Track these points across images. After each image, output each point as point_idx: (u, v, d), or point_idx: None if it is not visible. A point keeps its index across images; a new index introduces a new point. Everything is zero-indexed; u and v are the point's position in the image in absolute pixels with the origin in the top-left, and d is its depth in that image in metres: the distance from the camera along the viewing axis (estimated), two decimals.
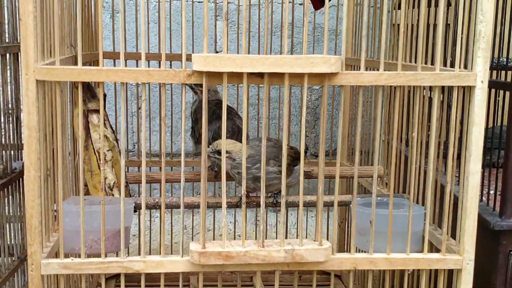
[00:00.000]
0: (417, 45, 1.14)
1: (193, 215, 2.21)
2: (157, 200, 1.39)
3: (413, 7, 1.58)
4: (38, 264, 1.06)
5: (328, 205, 1.36)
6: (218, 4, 2.29)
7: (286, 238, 1.10)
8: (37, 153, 1.02)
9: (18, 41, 1.55)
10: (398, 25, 1.71)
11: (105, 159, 1.42)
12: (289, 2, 2.40)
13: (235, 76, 1.04)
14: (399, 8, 1.65)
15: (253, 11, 2.13)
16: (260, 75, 1.04)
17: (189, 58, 1.05)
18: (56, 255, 1.17)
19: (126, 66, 1.11)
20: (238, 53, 2.13)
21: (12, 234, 1.51)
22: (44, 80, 1.03)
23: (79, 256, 1.10)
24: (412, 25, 1.40)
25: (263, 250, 1.07)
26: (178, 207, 1.32)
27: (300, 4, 2.43)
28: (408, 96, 1.47)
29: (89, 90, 1.43)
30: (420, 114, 1.14)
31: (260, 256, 1.07)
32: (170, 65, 2.02)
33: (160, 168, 1.55)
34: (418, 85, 1.08)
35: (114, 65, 1.96)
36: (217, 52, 2.40)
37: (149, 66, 1.95)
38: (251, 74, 1.04)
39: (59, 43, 1.05)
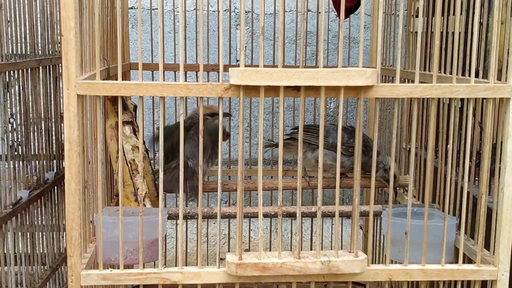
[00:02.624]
0: (452, 56, 1.15)
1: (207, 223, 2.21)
2: (188, 210, 1.40)
3: (433, 15, 1.59)
4: (78, 275, 1.07)
5: (361, 215, 1.37)
6: (236, 13, 2.31)
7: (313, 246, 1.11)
8: (78, 166, 1.04)
9: (50, 53, 1.57)
10: (415, 33, 1.72)
11: (137, 170, 1.44)
12: (307, 10, 2.41)
13: (272, 90, 1.05)
14: (417, 16, 1.66)
15: (271, 19, 2.14)
16: (297, 88, 1.05)
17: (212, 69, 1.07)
18: (93, 266, 1.18)
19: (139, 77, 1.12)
20: (257, 62, 2.14)
21: (45, 243, 1.53)
22: (84, 95, 1.05)
23: (115, 267, 1.12)
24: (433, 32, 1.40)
25: (299, 262, 1.08)
26: (213, 217, 1.34)
27: (325, 12, 2.43)
28: (438, 106, 1.48)
29: (122, 102, 1.45)
30: (454, 125, 1.15)
31: (297, 268, 1.08)
32: (185, 76, 2.03)
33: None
34: (453, 97, 1.08)
35: (141, 76, 1.98)
36: (237, 61, 2.42)
37: (162, 77, 1.97)
38: (287, 88, 1.05)
39: (99, 58, 1.06)
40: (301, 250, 1.09)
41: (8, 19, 1.31)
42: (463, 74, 1.22)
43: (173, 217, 1.33)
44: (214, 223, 2.41)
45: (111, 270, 1.09)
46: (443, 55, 1.37)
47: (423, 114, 1.60)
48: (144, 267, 1.11)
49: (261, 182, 1.08)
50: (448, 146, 1.11)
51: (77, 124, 1.03)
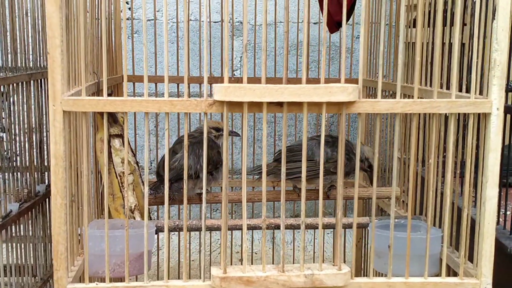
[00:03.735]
0: (432, 69, 1.16)
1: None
2: (177, 223, 1.41)
3: (429, 26, 1.60)
4: None
5: (346, 227, 1.38)
6: (230, 23, 2.33)
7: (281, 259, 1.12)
8: (64, 181, 1.06)
9: (41, 67, 1.59)
10: (413, 43, 1.74)
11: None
12: (299, 22, 2.43)
13: (255, 106, 1.07)
14: (414, 26, 1.68)
15: (268, 30, 2.16)
16: (280, 104, 1.07)
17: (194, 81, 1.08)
18: (80, 279, 1.20)
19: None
20: (254, 73, 2.17)
21: (36, 255, 1.54)
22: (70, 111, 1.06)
23: (103, 280, 1.13)
24: (427, 44, 1.42)
25: (283, 275, 1.09)
26: (198, 229, 1.35)
27: (315, 23, 2.46)
28: (424, 116, 1.49)
29: (111, 115, 1.47)
30: (436, 139, 1.16)
31: (280, 281, 1.09)
32: (178, 87, 2.05)
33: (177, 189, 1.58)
34: (434, 112, 1.10)
35: (134, 88, 2.00)
36: (233, 71, 2.44)
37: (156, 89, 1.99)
38: (270, 103, 1.07)
39: (85, 73, 1.08)
40: (293, 263, 1.10)
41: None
42: (448, 87, 1.23)
43: (161, 229, 1.35)
44: (210, 233, 2.42)
45: (97, 284, 1.11)
46: (429, 68, 1.38)
47: (410, 124, 1.62)
48: (131, 280, 1.12)
49: (245, 196, 1.09)
50: (430, 161, 1.13)
51: (63, 140, 1.04)
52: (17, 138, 1.43)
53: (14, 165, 1.41)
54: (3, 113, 1.36)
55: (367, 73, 2.01)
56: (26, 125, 1.48)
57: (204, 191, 1.10)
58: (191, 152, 1.57)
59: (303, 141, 1.08)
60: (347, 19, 1.81)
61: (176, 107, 1.07)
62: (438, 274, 1.24)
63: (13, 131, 1.40)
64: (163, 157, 1.58)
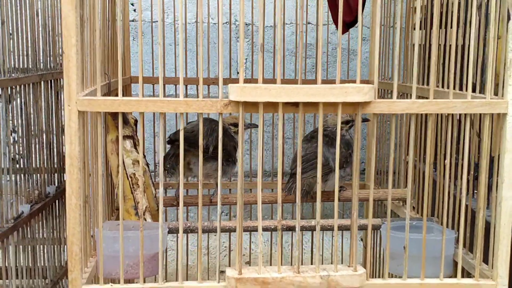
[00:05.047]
0: (449, 70, 1.16)
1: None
2: (189, 224, 1.41)
3: (440, 27, 1.60)
4: None
5: (359, 228, 1.37)
6: (236, 25, 2.33)
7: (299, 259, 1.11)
8: (79, 181, 1.05)
9: (52, 68, 1.59)
10: (413, 45, 1.74)
11: (137, 184, 1.45)
12: (307, 23, 2.43)
13: (271, 106, 1.06)
14: (414, 28, 1.67)
15: (271, 31, 2.16)
16: (295, 104, 1.06)
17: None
18: (94, 281, 1.19)
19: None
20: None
21: (46, 256, 1.54)
22: (85, 111, 1.06)
23: (116, 281, 1.12)
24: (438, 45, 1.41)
25: (298, 276, 1.08)
26: (213, 231, 1.34)
27: (324, 25, 2.45)
28: (436, 118, 1.49)
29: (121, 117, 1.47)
30: (451, 140, 1.16)
31: (296, 282, 1.08)
32: (186, 89, 2.05)
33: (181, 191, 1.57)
34: (449, 112, 1.09)
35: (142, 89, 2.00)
36: (237, 73, 2.44)
37: (163, 93, 1.99)
38: (286, 104, 1.06)
39: (100, 74, 1.08)
40: (301, 264, 1.10)
41: (10, 33, 1.33)
42: (460, 88, 1.23)
43: (173, 231, 1.34)
44: (215, 235, 2.41)
45: (111, 285, 1.10)
46: (441, 69, 1.38)
47: (421, 127, 1.61)
48: (144, 282, 1.11)
49: (261, 196, 1.09)
50: (446, 161, 1.12)
51: (78, 140, 1.04)
52: (28, 140, 1.43)
53: (25, 166, 1.40)
54: (14, 113, 1.35)
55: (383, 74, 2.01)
56: (36, 126, 1.47)
57: (219, 190, 1.10)
58: (208, 130, 1.54)
59: (318, 143, 1.07)
60: (356, 21, 1.81)
61: (192, 107, 1.06)
62: (451, 276, 1.23)
63: (24, 132, 1.40)
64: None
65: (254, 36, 2.10)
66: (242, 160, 1.08)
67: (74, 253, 1.07)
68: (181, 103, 1.06)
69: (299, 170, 1.08)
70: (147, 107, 1.05)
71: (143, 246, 1.15)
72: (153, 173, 1.92)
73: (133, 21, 2.34)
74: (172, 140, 1.52)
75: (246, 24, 2.46)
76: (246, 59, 2.48)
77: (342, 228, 1.36)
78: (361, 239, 2.57)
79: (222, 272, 1.12)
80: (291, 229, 1.36)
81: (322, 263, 1.87)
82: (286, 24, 2.31)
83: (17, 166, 1.37)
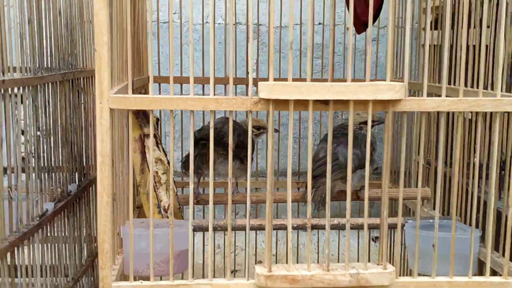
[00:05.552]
0: (479, 69, 1.16)
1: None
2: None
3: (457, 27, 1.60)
4: (109, 287, 1.08)
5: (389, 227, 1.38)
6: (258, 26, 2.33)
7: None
8: (110, 179, 1.06)
9: (72, 67, 1.59)
10: (435, 45, 1.75)
11: (160, 182, 1.45)
12: (319, 23, 2.44)
13: (301, 103, 1.06)
14: (432, 28, 1.68)
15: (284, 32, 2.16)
16: (325, 102, 1.07)
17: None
18: (120, 279, 1.19)
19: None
20: (279, 74, 2.17)
21: (67, 255, 1.54)
22: (116, 109, 1.06)
23: (142, 279, 1.13)
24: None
25: (328, 274, 1.08)
26: (236, 229, 1.35)
27: (336, 25, 2.45)
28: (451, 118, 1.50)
29: (144, 115, 1.47)
30: (481, 137, 1.16)
31: (326, 280, 1.08)
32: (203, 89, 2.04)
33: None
34: (480, 111, 1.09)
35: (160, 89, 2.01)
36: (247, 73, 2.44)
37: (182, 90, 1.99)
38: (316, 101, 1.06)
39: (132, 71, 1.08)
40: (316, 262, 1.10)
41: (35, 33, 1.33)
42: (485, 87, 1.23)
43: (196, 229, 1.34)
44: (225, 235, 2.41)
45: (141, 282, 1.10)
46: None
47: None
48: (173, 279, 1.12)
49: (290, 195, 1.09)
50: (475, 159, 1.12)
51: (110, 138, 1.04)
52: (51, 138, 1.43)
53: (48, 164, 1.40)
54: (39, 113, 1.36)
55: (394, 74, 2.02)
56: (58, 125, 1.48)
57: (248, 189, 1.10)
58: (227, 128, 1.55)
59: (349, 145, 1.07)
60: (374, 20, 1.81)
61: (222, 105, 1.07)
62: (476, 274, 1.23)
63: (48, 130, 1.40)
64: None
65: (264, 36, 2.11)
66: (272, 158, 1.08)
67: (105, 251, 1.08)
68: (211, 101, 1.06)
69: (329, 167, 1.08)
70: (178, 105, 1.06)
71: (173, 243, 1.15)
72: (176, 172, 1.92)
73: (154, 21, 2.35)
74: (198, 139, 1.52)
75: (261, 25, 2.46)
76: (256, 59, 2.49)
77: (373, 226, 1.36)
78: (373, 239, 2.57)
79: (234, 271, 1.13)
80: (317, 227, 1.36)
81: (338, 262, 1.87)
82: (298, 24, 2.31)
83: (42, 164, 1.37)
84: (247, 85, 2.12)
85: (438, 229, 1.26)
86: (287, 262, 1.10)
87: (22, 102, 1.25)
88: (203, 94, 2.01)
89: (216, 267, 2.34)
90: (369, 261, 1.12)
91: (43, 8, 1.38)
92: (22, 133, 1.25)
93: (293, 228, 1.28)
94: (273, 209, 2.14)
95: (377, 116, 1.68)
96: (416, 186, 1.74)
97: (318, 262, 1.33)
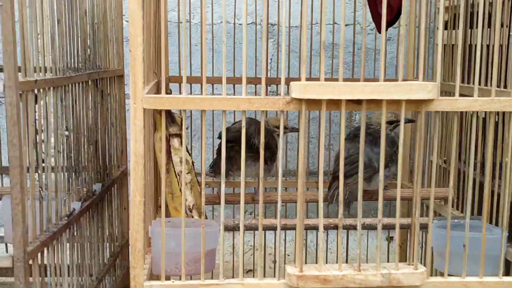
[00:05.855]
0: (506, 69, 1.16)
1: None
2: (237, 222, 1.41)
3: (471, 27, 1.60)
4: (141, 286, 1.09)
5: (406, 227, 1.38)
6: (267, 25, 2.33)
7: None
8: (143, 179, 1.06)
9: (97, 67, 1.60)
10: (452, 45, 1.75)
11: (185, 182, 1.46)
12: (334, 23, 2.43)
13: (333, 103, 1.07)
14: (447, 28, 1.68)
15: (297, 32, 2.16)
16: (358, 101, 1.07)
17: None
18: (151, 277, 1.20)
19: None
20: (288, 74, 2.17)
21: (91, 254, 1.55)
22: (149, 109, 1.07)
23: (169, 279, 1.13)
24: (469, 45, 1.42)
25: (360, 274, 1.09)
26: (272, 228, 1.35)
27: (346, 25, 2.45)
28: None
29: (169, 115, 1.48)
30: (510, 138, 1.15)
31: (357, 280, 1.09)
32: (234, 88, 2.04)
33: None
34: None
35: (180, 88, 2.01)
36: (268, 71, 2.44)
37: (225, 92, 1.99)
38: (348, 101, 1.06)
39: (164, 72, 1.08)
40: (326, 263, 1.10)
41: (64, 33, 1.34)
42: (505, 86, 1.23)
43: (226, 228, 1.35)
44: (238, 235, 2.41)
45: (173, 281, 1.11)
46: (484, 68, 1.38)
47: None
48: (204, 279, 1.12)
49: (322, 195, 1.09)
50: (506, 159, 1.12)
51: (143, 138, 1.05)
52: (77, 138, 1.44)
53: (75, 164, 1.41)
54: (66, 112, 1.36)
55: (412, 75, 2.01)
56: (84, 125, 1.48)
57: (279, 189, 1.10)
58: (256, 130, 1.58)
59: (381, 145, 1.07)
60: (395, 20, 1.81)
61: (254, 105, 1.07)
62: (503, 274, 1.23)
63: (75, 130, 1.41)
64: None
65: (279, 37, 2.12)
66: (304, 159, 1.09)
67: (137, 250, 1.08)
68: (243, 101, 1.07)
69: (361, 167, 1.08)
70: (211, 105, 1.06)
71: (197, 243, 1.15)
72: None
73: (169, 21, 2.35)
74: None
75: (271, 25, 2.46)
76: (271, 58, 2.49)
77: (405, 227, 1.36)
78: (386, 239, 2.56)
79: (248, 271, 1.13)
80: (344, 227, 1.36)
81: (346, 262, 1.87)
82: (313, 24, 2.31)
83: (69, 163, 1.38)
84: (277, 85, 2.13)
85: (463, 228, 1.26)
86: (316, 262, 1.10)
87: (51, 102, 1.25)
88: (234, 93, 2.01)
89: (227, 267, 2.34)
90: (387, 261, 1.12)
91: (71, 8, 1.38)
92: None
93: (324, 228, 1.29)
94: (286, 209, 2.16)
95: (394, 116, 1.67)
96: (430, 186, 1.74)
97: (347, 262, 1.32)
